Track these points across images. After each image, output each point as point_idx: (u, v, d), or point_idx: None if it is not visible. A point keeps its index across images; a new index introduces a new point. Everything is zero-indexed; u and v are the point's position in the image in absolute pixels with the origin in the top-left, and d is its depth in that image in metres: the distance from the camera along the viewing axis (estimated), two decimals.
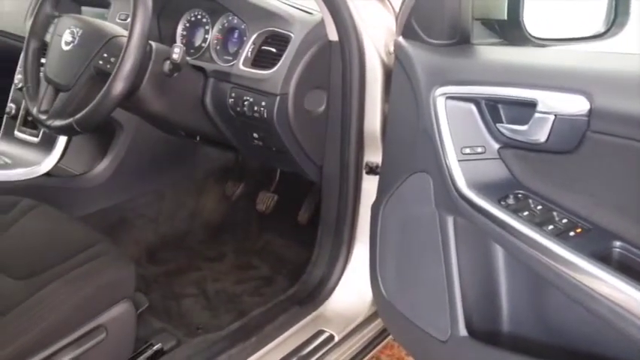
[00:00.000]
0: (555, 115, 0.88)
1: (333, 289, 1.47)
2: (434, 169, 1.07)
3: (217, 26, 1.54)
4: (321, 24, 1.29)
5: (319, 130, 1.40)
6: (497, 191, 0.98)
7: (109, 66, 1.23)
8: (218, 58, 1.52)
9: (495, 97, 0.99)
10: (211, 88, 1.44)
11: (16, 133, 1.78)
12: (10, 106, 1.80)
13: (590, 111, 0.84)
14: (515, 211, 0.93)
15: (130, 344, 1.19)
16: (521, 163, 0.99)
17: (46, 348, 1.01)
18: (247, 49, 1.40)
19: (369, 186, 1.36)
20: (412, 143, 1.13)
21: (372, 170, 1.36)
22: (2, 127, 1.82)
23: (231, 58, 1.49)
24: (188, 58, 1.41)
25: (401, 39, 1.16)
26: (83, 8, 1.80)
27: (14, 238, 1.23)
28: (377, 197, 1.29)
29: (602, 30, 1.18)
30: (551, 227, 0.89)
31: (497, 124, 0.99)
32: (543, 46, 1.20)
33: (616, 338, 0.84)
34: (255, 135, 1.44)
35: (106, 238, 1.23)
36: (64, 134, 1.63)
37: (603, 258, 0.82)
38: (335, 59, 1.30)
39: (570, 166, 0.91)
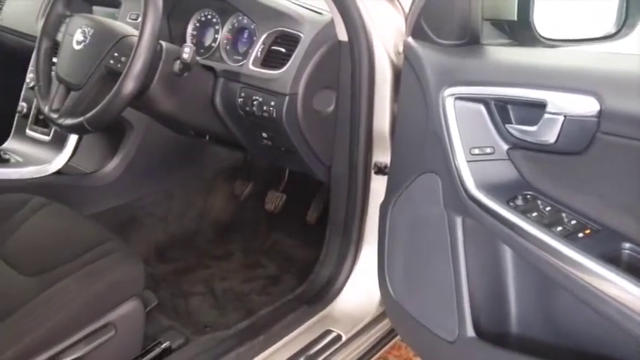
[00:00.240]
0: (565, 116, 0.87)
1: (341, 288, 1.47)
2: (443, 170, 1.07)
3: (227, 26, 1.55)
4: (331, 24, 1.30)
5: (328, 130, 1.40)
6: (506, 192, 0.98)
7: (119, 65, 1.24)
8: (228, 57, 1.53)
9: (505, 97, 0.98)
10: (221, 88, 1.45)
11: (28, 131, 1.80)
12: (22, 104, 1.82)
13: (600, 112, 0.84)
14: (523, 212, 0.93)
15: (138, 342, 1.20)
16: (531, 164, 0.99)
17: (55, 345, 1.02)
18: (257, 49, 1.40)
19: (378, 186, 1.36)
20: (421, 143, 1.13)
21: (380, 170, 1.36)
22: (14, 125, 1.84)
23: (240, 57, 1.49)
24: (198, 58, 1.41)
25: (410, 39, 1.16)
26: (94, 8, 1.81)
27: (25, 236, 1.24)
28: (385, 197, 1.28)
29: (613, 31, 1.17)
30: (560, 228, 0.89)
31: (507, 125, 0.99)
32: (553, 46, 1.19)
33: (624, 340, 0.83)
34: (264, 135, 1.44)
35: (116, 237, 1.24)
36: (75, 133, 1.64)
37: (612, 259, 0.82)
38: (344, 59, 1.30)
39: (579, 168, 0.90)
